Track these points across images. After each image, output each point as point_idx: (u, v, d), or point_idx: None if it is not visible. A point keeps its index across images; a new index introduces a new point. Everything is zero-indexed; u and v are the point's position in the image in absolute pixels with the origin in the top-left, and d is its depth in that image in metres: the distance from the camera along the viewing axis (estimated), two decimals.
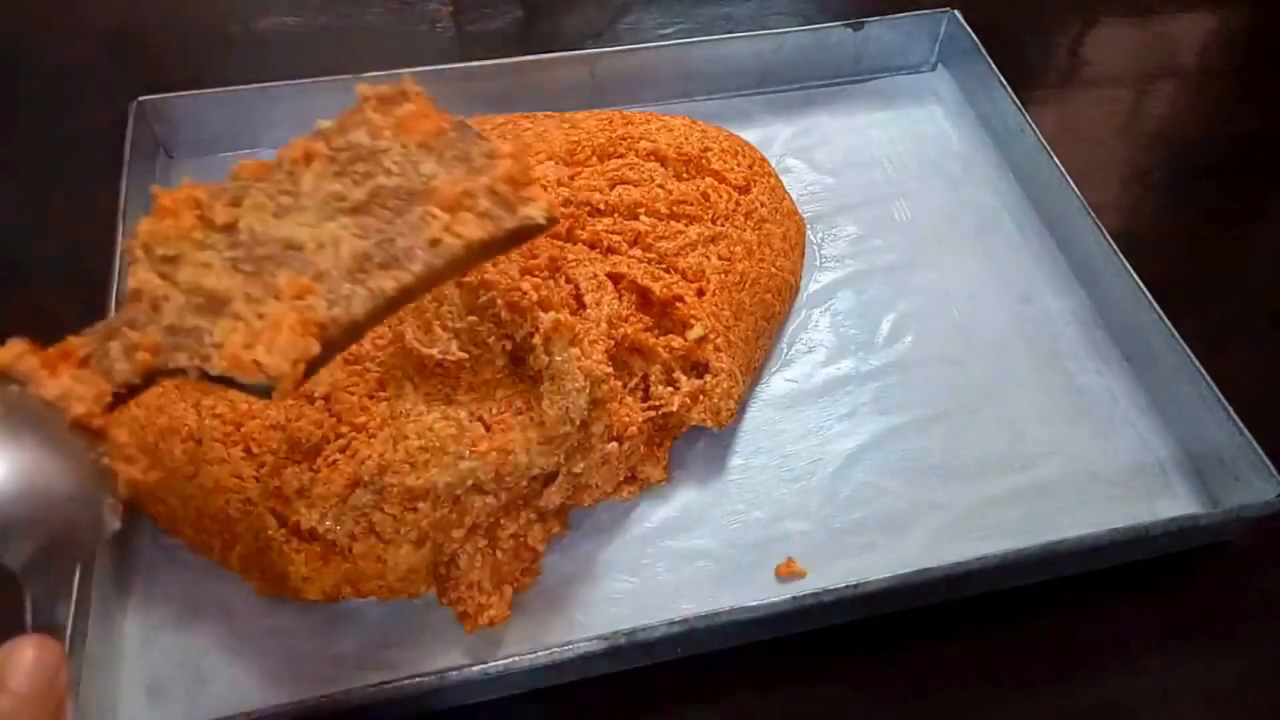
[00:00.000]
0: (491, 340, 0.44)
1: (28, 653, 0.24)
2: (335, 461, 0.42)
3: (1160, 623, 0.47)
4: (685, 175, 0.56)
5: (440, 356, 0.43)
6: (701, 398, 0.49)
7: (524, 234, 0.36)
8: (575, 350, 0.44)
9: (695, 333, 0.49)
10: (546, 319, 0.44)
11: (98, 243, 0.53)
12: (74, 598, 0.41)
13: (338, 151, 0.37)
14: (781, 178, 0.62)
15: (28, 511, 0.26)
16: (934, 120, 0.69)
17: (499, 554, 0.44)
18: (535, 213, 0.36)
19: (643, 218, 0.53)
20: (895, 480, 0.51)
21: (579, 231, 0.52)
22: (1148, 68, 0.75)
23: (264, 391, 0.32)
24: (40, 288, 0.58)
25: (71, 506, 0.26)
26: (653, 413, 0.48)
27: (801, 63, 0.69)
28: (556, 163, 0.54)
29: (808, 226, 0.61)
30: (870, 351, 0.56)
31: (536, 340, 0.44)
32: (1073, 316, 0.58)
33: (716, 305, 0.51)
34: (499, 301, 0.44)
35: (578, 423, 0.44)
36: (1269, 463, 0.47)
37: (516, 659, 0.41)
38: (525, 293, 0.44)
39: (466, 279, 0.43)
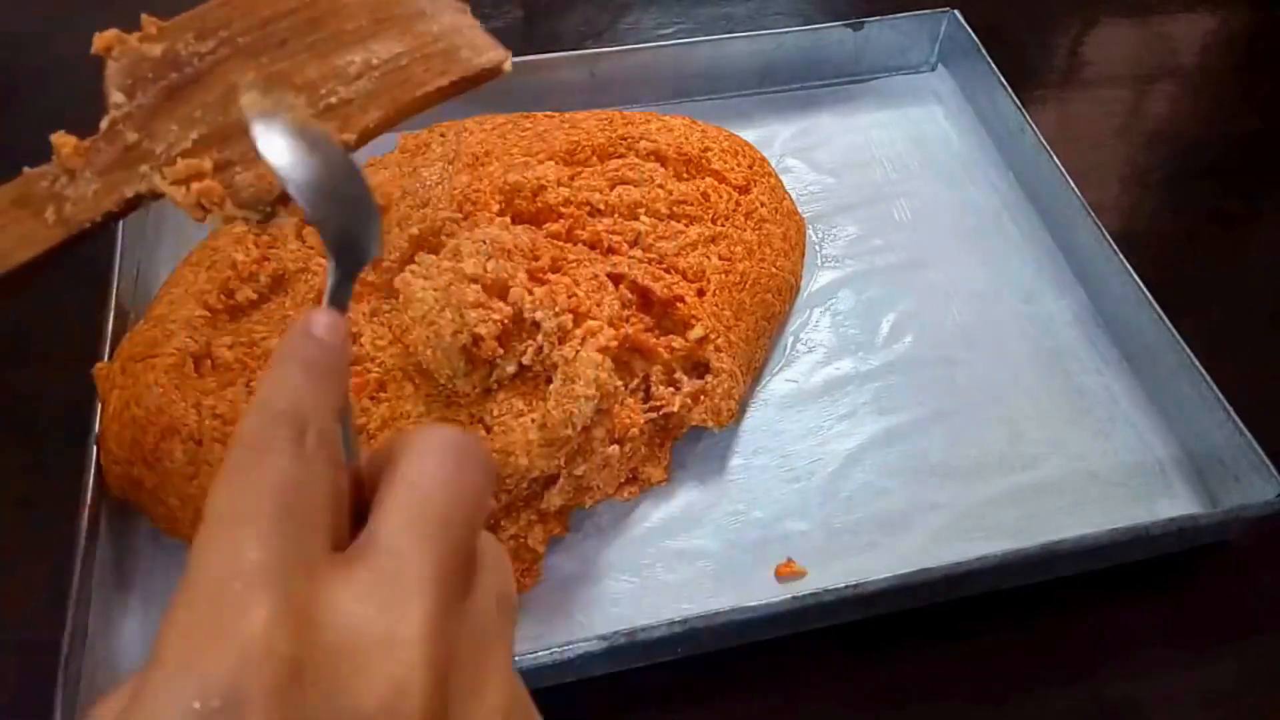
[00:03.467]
0: (495, 361, 0.44)
1: (322, 316, 0.25)
2: None
3: (1160, 623, 0.47)
4: (685, 175, 0.56)
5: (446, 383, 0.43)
6: (702, 398, 0.49)
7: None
8: (597, 356, 0.44)
9: (696, 333, 0.49)
10: (556, 321, 0.44)
11: (98, 242, 0.53)
12: (73, 595, 0.41)
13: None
14: (781, 178, 0.62)
15: (335, 185, 0.28)
16: (934, 120, 0.69)
17: None
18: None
19: (643, 218, 0.53)
20: (895, 480, 0.51)
21: (579, 232, 0.52)
22: (1148, 68, 0.75)
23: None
24: (40, 287, 0.58)
25: (360, 208, 0.28)
26: (654, 414, 0.48)
27: (801, 63, 0.69)
28: (556, 163, 0.54)
29: (808, 226, 0.61)
30: (870, 351, 0.56)
31: (543, 340, 0.44)
32: (1073, 316, 0.58)
33: (717, 305, 0.51)
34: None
35: (579, 428, 0.44)
36: (1269, 463, 0.47)
37: (517, 659, 0.41)
38: (537, 301, 0.44)
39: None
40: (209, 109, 0.32)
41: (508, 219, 0.51)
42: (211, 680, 0.18)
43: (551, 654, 0.41)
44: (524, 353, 0.44)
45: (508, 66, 0.35)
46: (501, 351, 0.44)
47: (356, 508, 0.23)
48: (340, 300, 0.26)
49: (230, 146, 0.32)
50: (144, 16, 0.34)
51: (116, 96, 0.33)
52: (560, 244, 0.51)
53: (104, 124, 0.33)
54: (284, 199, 0.32)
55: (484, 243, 0.47)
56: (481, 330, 0.43)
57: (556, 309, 0.46)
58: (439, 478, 0.23)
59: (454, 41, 0.35)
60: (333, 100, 0.33)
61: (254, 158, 0.31)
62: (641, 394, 0.49)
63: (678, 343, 0.49)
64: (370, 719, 0.19)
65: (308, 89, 0.33)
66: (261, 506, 0.21)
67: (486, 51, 0.35)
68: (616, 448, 0.46)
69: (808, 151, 0.66)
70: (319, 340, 0.24)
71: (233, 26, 0.33)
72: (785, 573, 0.47)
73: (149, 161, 0.32)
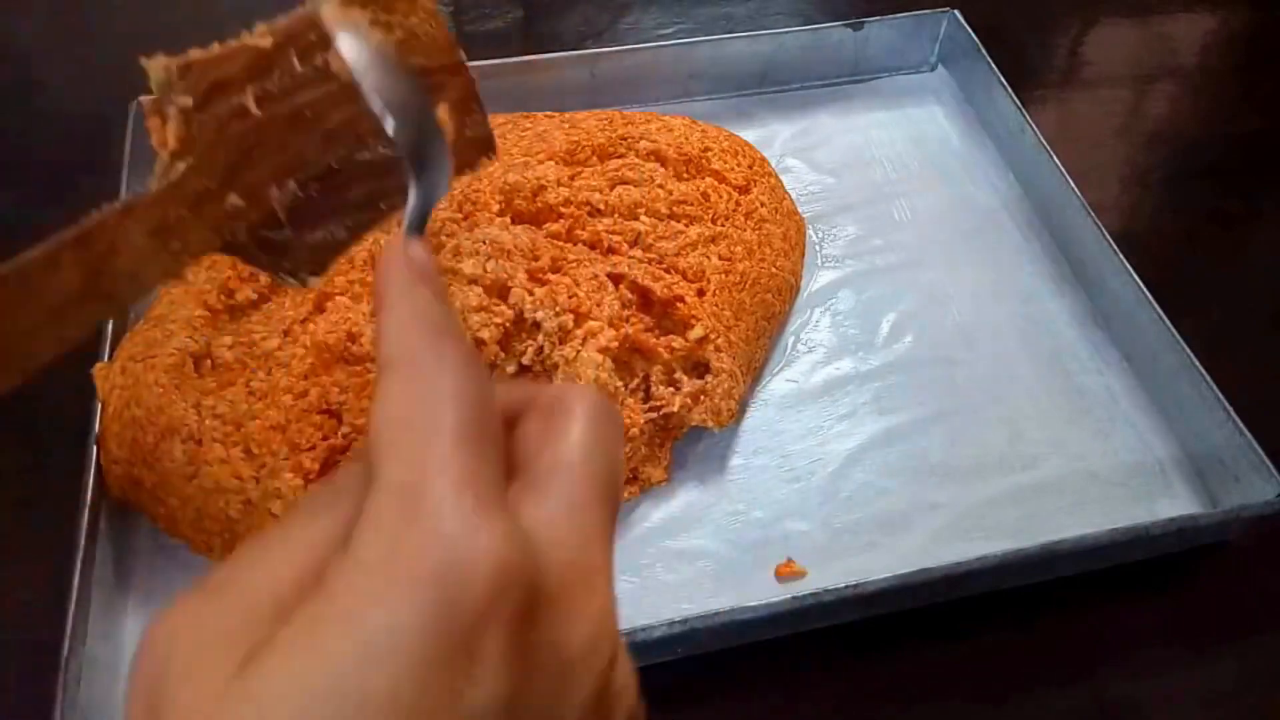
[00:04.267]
0: (495, 363, 0.44)
1: (416, 243, 0.24)
2: (336, 463, 0.42)
3: (1160, 623, 0.47)
4: (685, 175, 0.56)
5: None
6: (703, 398, 0.49)
7: None
8: (597, 356, 0.44)
9: (696, 333, 0.49)
10: (557, 321, 0.44)
11: None
12: (73, 595, 0.41)
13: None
14: (781, 178, 0.62)
15: (418, 109, 0.26)
16: (934, 120, 0.69)
17: None
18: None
19: (643, 218, 0.53)
20: (895, 480, 0.51)
21: (579, 232, 0.52)
22: (1148, 68, 0.75)
23: None
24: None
25: (436, 136, 0.26)
26: (654, 414, 0.48)
27: (801, 63, 0.69)
28: (556, 163, 0.54)
29: (808, 226, 0.61)
30: (870, 351, 0.56)
31: (543, 340, 0.44)
32: (1073, 316, 0.58)
33: (717, 305, 0.51)
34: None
35: None
36: (1269, 463, 0.47)
37: None
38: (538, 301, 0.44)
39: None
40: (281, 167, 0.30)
41: (507, 219, 0.51)
42: (454, 605, 0.18)
43: None
44: (524, 353, 0.44)
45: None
46: (503, 355, 0.44)
47: None
48: (420, 227, 0.25)
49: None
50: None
51: (171, 144, 0.31)
52: (560, 244, 0.51)
53: (157, 172, 0.30)
54: None
55: (484, 243, 0.47)
56: (484, 334, 0.43)
57: (557, 309, 0.46)
58: (608, 440, 0.22)
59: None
60: (377, 158, 0.30)
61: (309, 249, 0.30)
62: (641, 394, 0.49)
63: (678, 343, 0.49)
64: (576, 661, 0.19)
65: (357, 143, 0.30)
66: (451, 417, 0.20)
67: (482, 147, 0.35)
68: None
69: (808, 151, 0.66)
70: (424, 260, 0.23)
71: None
72: (785, 573, 0.47)
73: (206, 222, 0.31)
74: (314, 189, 0.30)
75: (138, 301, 0.31)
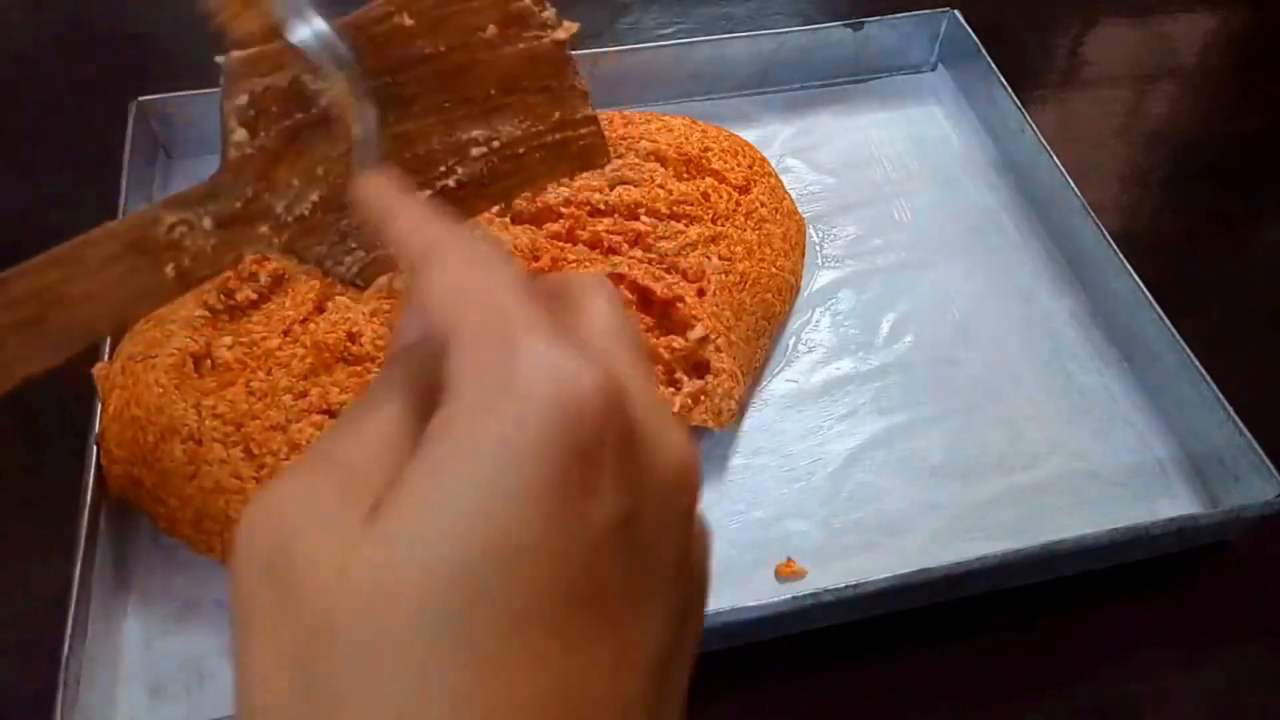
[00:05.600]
0: None
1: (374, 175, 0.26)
2: None
3: (1160, 623, 0.47)
4: (685, 175, 0.56)
5: None
6: (703, 398, 0.49)
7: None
8: None
9: (696, 333, 0.49)
10: None
11: None
12: (73, 595, 0.41)
13: None
14: (781, 178, 0.62)
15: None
16: (934, 120, 0.69)
17: None
18: None
19: (643, 218, 0.53)
20: (895, 480, 0.51)
21: (579, 232, 0.52)
22: (1148, 68, 0.75)
23: None
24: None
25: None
26: None
27: (801, 63, 0.69)
28: None
29: (808, 226, 0.61)
30: (870, 351, 0.56)
31: None
32: (1072, 316, 0.58)
33: (717, 305, 0.51)
34: None
35: None
36: (1269, 463, 0.47)
37: None
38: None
39: None
40: (332, 165, 0.29)
41: (507, 219, 0.51)
42: (576, 426, 0.19)
43: None
44: None
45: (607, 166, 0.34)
46: None
47: None
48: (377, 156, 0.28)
49: (347, 212, 0.30)
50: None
51: (239, 134, 0.29)
52: (560, 244, 0.51)
53: (227, 161, 0.29)
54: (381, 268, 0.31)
55: None
56: None
57: None
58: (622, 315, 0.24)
59: (568, 134, 0.32)
60: (450, 183, 0.31)
61: (368, 233, 0.30)
62: None
63: (678, 343, 0.49)
64: (671, 483, 0.21)
65: (428, 162, 0.30)
66: (508, 275, 0.21)
67: (593, 154, 0.33)
68: None
69: (808, 151, 0.66)
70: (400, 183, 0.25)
71: (363, 63, 0.29)
72: (785, 573, 0.47)
73: (268, 221, 0.30)
74: None
75: (200, 282, 0.31)
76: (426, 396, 0.21)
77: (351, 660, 0.18)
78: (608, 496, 0.19)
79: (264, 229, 0.30)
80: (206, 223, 0.30)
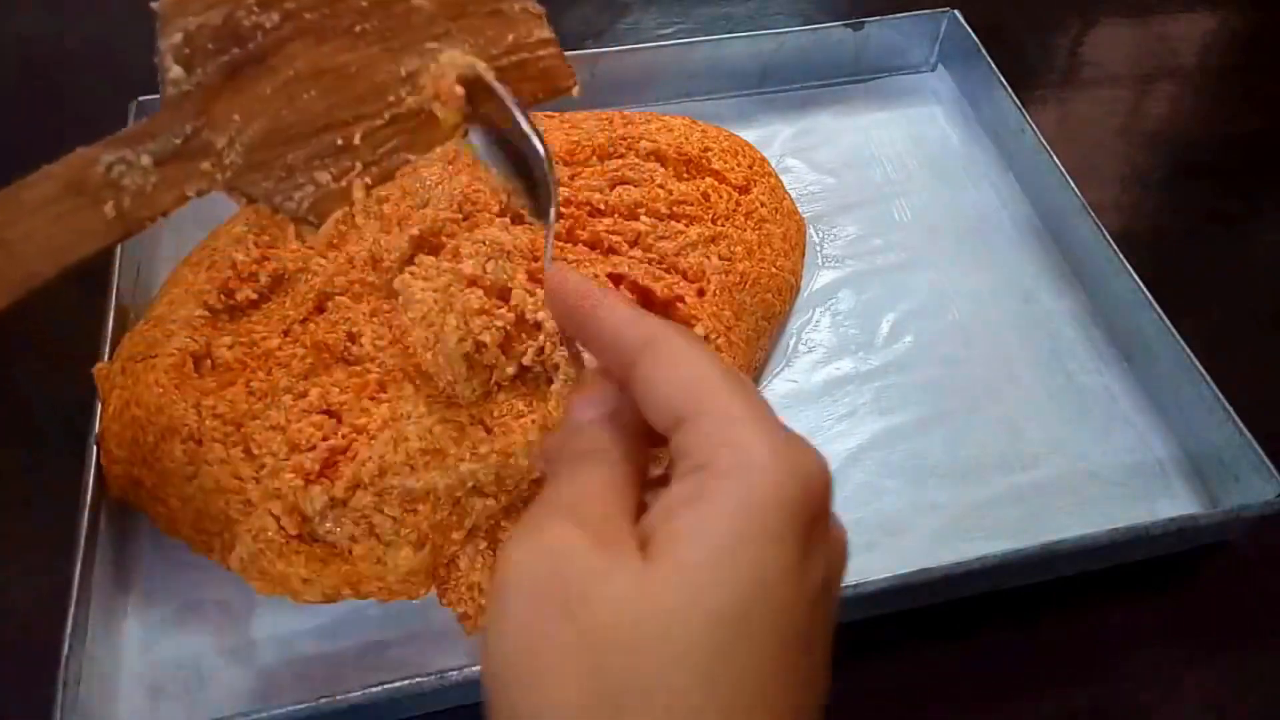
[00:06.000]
0: (496, 365, 0.44)
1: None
2: (336, 464, 0.42)
3: (1160, 623, 0.47)
4: (685, 175, 0.56)
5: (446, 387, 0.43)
6: None
7: None
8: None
9: (696, 333, 0.49)
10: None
11: None
12: (73, 595, 0.41)
13: None
14: (781, 178, 0.62)
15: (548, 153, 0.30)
16: (934, 120, 0.69)
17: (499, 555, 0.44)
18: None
19: (643, 218, 0.53)
20: (895, 480, 0.51)
21: (579, 232, 0.52)
22: (1148, 68, 0.75)
23: None
24: (40, 287, 0.58)
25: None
26: None
27: (801, 63, 0.69)
28: (557, 162, 0.54)
29: (808, 226, 0.61)
30: (870, 351, 0.56)
31: (544, 341, 0.44)
32: (1072, 316, 0.58)
33: (717, 305, 0.51)
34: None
35: None
36: (1269, 463, 0.47)
37: None
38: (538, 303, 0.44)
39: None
40: (272, 98, 0.30)
41: (508, 219, 0.51)
42: (809, 499, 0.24)
43: None
44: (524, 353, 0.44)
45: (576, 92, 0.34)
46: (504, 358, 0.44)
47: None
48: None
49: (294, 146, 0.30)
50: None
51: (175, 71, 0.29)
52: (560, 244, 0.51)
53: (164, 99, 0.30)
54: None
55: (483, 244, 0.47)
56: (485, 338, 0.43)
57: None
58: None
59: (524, 56, 0.32)
60: (400, 110, 0.31)
61: (315, 164, 0.30)
62: None
63: None
64: (842, 555, 0.26)
65: (376, 94, 0.30)
66: (731, 373, 0.26)
67: (556, 76, 0.33)
68: None
69: (808, 151, 0.66)
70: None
71: None
72: None
73: (209, 157, 0.30)
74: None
75: (143, 223, 0.30)
76: (638, 461, 0.26)
77: (649, 675, 0.22)
78: (819, 561, 0.24)
79: (205, 165, 0.30)
80: (145, 160, 0.30)
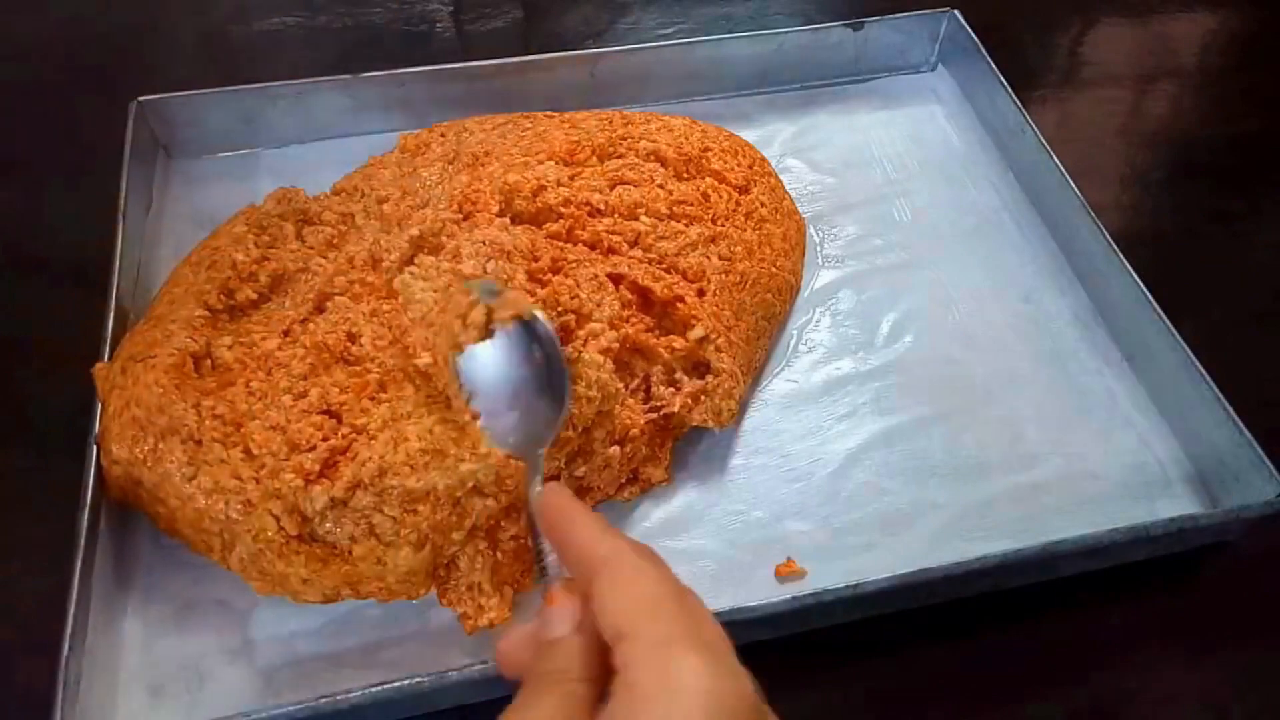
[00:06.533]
0: None
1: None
2: (336, 464, 0.42)
3: (1160, 623, 0.47)
4: (685, 175, 0.56)
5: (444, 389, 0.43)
6: (703, 398, 0.49)
7: None
8: (599, 357, 0.44)
9: (696, 333, 0.49)
10: (559, 321, 0.44)
11: (98, 242, 0.53)
12: (73, 595, 0.41)
13: None
14: (781, 178, 0.62)
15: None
16: (934, 120, 0.69)
17: (499, 555, 0.44)
18: None
19: (643, 218, 0.53)
20: (895, 480, 0.51)
21: (579, 232, 0.52)
22: (1148, 68, 0.75)
23: None
24: (40, 287, 0.58)
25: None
26: (654, 414, 0.48)
27: (801, 63, 0.69)
28: (556, 163, 0.54)
29: (808, 226, 0.61)
30: (870, 351, 0.56)
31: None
32: (1073, 316, 0.58)
33: (717, 305, 0.51)
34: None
35: (580, 429, 0.44)
36: (1269, 463, 0.47)
37: None
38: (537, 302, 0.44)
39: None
40: None
41: (507, 220, 0.51)
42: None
43: None
44: None
45: None
46: None
47: None
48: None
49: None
50: None
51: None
52: (560, 244, 0.51)
53: None
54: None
55: (483, 244, 0.47)
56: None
57: (559, 309, 0.46)
58: None
59: None
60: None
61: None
62: (642, 394, 0.49)
63: (678, 343, 0.49)
64: None
65: None
66: (674, 598, 0.29)
67: None
68: (617, 448, 0.46)
69: (808, 151, 0.66)
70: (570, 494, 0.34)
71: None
72: (785, 573, 0.47)
73: None
74: None
75: None
76: (598, 678, 0.29)
77: None
78: None
79: None
80: None
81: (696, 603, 0.30)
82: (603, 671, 0.29)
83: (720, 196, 0.55)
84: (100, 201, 0.55)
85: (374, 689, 0.40)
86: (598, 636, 0.29)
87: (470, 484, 0.42)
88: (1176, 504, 0.50)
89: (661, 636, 0.27)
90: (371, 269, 0.49)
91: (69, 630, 0.40)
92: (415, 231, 0.50)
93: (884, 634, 0.46)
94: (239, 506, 0.43)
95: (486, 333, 0.40)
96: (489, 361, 0.40)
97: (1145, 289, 0.54)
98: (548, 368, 0.40)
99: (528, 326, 0.40)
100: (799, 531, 0.49)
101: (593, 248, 0.51)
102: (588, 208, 0.52)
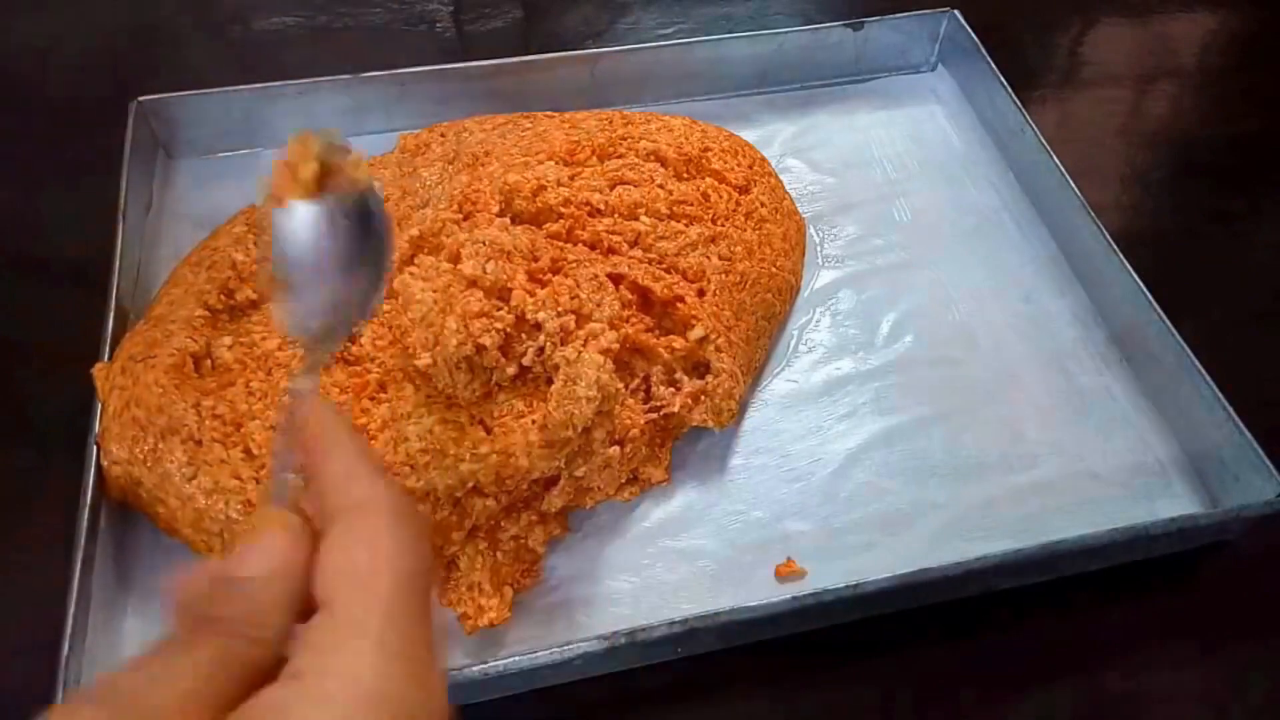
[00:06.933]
0: (496, 366, 0.44)
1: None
2: None
3: (1160, 623, 0.47)
4: (685, 175, 0.56)
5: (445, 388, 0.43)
6: (703, 398, 0.49)
7: None
8: (599, 357, 0.44)
9: (696, 333, 0.49)
10: (559, 322, 0.44)
11: (98, 243, 0.53)
12: (73, 595, 0.41)
13: None
14: (781, 178, 0.62)
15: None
16: (934, 120, 0.69)
17: (499, 556, 0.44)
18: None
19: (643, 218, 0.53)
20: (895, 480, 0.51)
21: (579, 232, 0.52)
22: (1148, 68, 0.75)
23: None
24: (40, 288, 0.58)
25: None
26: (654, 414, 0.48)
27: (801, 63, 0.69)
28: (556, 163, 0.54)
29: (808, 226, 0.61)
30: (870, 351, 0.56)
31: (544, 341, 0.44)
32: (1073, 316, 0.58)
33: (717, 305, 0.51)
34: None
35: (580, 429, 0.44)
36: (1269, 463, 0.47)
37: (516, 659, 0.41)
38: (539, 303, 0.44)
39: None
40: None
41: (507, 219, 0.51)
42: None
43: (551, 654, 0.41)
44: (524, 354, 0.44)
45: None
46: (504, 359, 0.44)
47: None
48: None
49: None
50: None
51: None
52: (560, 244, 0.51)
53: None
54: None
55: (483, 244, 0.47)
56: (486, 340, 0.43)
57: (559, 310, 0.46)
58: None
59: None
60: None
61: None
62: (642, 394, 0.49)
63: (678, 343, 0.49)
64: None
65: None
66: (388, 576, 0.25)
67: None
68: (617, 449, 0.46)
69: (808, 151, 0.66)
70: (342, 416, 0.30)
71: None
72: (785, 573, 0.47)
73: None
74: None
75: None
76: (272, 639, 0.24)
77: None
78: None
79: None
80: None
81: (425, 601, 0.25)
82: (284, 635, 0.25)
83: (720, 196, 0.55)
84: (100, 201, 0.55)
85: None
86: (305, 595, 0.25)
87: (470, 484, 0.42)
88: (1176, 504, 0.50)
89: (357, 621, 0.23)
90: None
91: (69, 630, 0.40)
92: (415, 231, 0.50)
93: (884, 634, 0.46)
94: (239, 506, 0.43)
95: (314, 193, 0.33)
96: (309, 224, 0.32)
97: (1145, 289, 0.54)
98: (374, 253, 0.33)
99: (362, 199, 0.33)
100: (799, 531, 0.49)
101: (593, 248, 0.51)
102: (588, 208, 0.52)
